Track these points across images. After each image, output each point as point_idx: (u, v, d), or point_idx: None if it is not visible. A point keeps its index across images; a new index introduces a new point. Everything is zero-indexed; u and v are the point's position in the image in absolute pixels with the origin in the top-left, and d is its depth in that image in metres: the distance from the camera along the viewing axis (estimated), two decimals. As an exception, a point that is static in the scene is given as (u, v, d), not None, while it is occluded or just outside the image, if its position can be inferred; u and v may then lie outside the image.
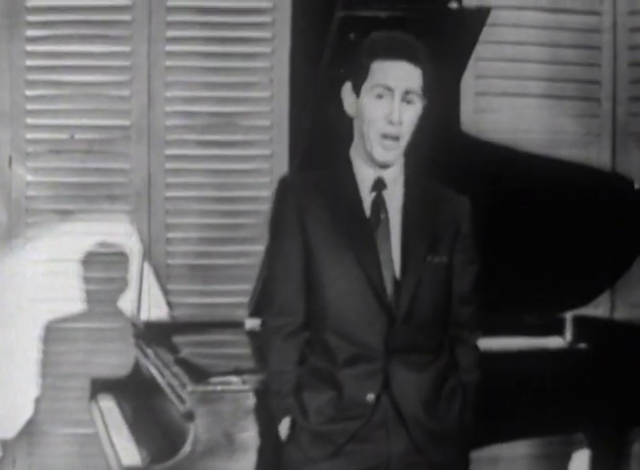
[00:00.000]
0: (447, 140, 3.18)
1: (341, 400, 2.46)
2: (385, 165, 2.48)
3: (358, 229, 2.47)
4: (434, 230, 2.51)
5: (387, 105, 2.43)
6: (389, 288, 2.46)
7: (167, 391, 2.88)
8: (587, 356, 3.53)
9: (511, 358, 3.37)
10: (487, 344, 2.97)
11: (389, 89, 2.43)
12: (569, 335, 3.76)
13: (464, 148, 3.35)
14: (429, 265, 2.48)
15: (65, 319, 4.27)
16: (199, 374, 2.84)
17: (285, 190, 2.52)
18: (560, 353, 3.61)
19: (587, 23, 4.49)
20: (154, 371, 3.12)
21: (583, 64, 4.49)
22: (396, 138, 2.43)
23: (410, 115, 2.44)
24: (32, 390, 4.26)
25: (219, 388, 2.72)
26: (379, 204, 2.49)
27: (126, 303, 4.25)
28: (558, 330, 3.76)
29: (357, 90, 2.48)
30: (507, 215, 3.34)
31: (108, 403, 3.46)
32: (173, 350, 3.28)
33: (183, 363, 3.02)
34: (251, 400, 2.71)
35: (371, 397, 2.45)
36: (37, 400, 4.28)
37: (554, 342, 3.71)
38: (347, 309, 2.46)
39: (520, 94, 4.46)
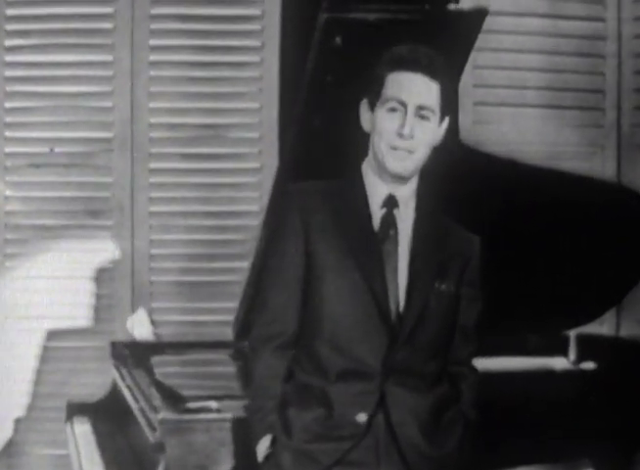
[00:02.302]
0: (444, 152, 2.96)
1: (329, 418, 2.38)
2: (397, 177, 2.43)
3: (365, 242, 2.43)
4: (443, 258, 2.48)
5: (398, 119, 2.39)
6: (393, 306, 2.41)
7: (139, 417, 2.75)
8: (592, 377, 3.51)
9: (511, 379, 3.32)
10: (486, 364, 2.93)
11: (403, 103, 2.39)
12: (572, 354, 3.69)
13: (462, 161, 3.20)
14: (436, 291, 2.45)
15: (45, 337, 4.22)
16: (174, 399, 2.71)
17: (291, 197, 2.48)
18: (563, 374, 3.55)
19: (590, 30, 4.46)
20: (127, 395, 3.01)
21: (586, 72, 4.46)
22: (408, 152, 2.39)
23: (424, 130, 2.39)
24: (12, 410, 4.23)
25: (193, 416, 2.57)
26: (389, 221, 2.45)
27: (110, 321, 4.22)
28: (561, 349, 3.69)
29: (372, 105, 2.44)
30: (507, 231, 3.24)
31: (83, 427, 3.36)
32: (151, 371, 3.19)
33: (159, 387, 2.89)
34: (227, 431, 2.58)
35: (363, 416, 2.37)
36: (17, 421, 4.24)
37: (557, 362, 3.64)
38: (346, 322, 2.40)
39: (520, 104, 4.42)
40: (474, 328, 2.56)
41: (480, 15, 2.94)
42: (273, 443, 2.40)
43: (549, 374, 3.50)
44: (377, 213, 2.46)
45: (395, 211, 2.46)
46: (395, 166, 2.42)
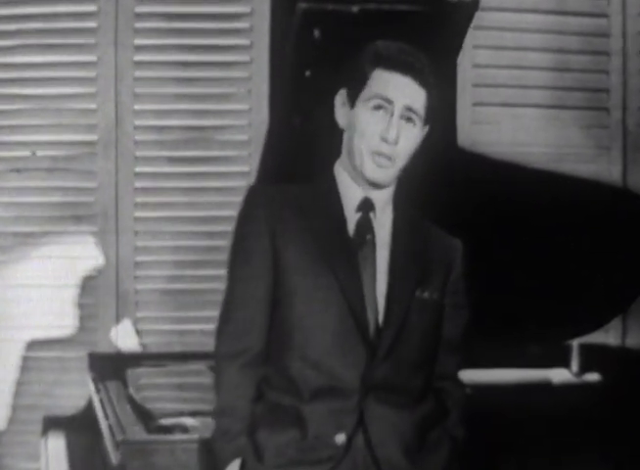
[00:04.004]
0: (441, 155, 2.99)
1: (304, 440, 2.26)
2: (375, 185, 2.33)
3: (340, 249, 2.32)
4: (425, 265, 2.39)
5: (383, 120, 2.28)
6: (372, 316, 2.30)
7: (106, 436, 2.65)
8: (596, 389, 3.50)
9: (509, 393, 3.31)
10: (483, 376, 3.09)
11: (389, 102, 2.28)
12: (575, 365, 3.65)
13: (460, 163, 3.25)
14: (418, 300, 2.35)
15: (27, 348, 4.18)
16: (144, 417, 2.61)
17: (255, 200, 2.37)
18: (565, 387, 3.53)
19: (594, 27, 4.41)
20: (99, 410, 2.93)
21: (590, 70, 4.42)
22: (390, 159, 2.29)
23: (408, 136, 2.30)
24: None
25: (157, 437, 2.47)
26: (365, 225, 2.35)
27: (93, 331, 4.17)
28: (563, 360, 3.65)
29: (352, 100, 2.32)
30: (508, 237, 3.27)
31: (57, 442, 3.30)
32: (126, 385, 3.15)
33: (131, 402, 2.80)
34: (194, 452, 2.47)
35: (341, 437, 2.25)
36: None
37: (559, 373, 3.61)
38: (320, 336, 2.29)
39: (521, 104, 4.38)
40: (460, 339, 2.47)
41: (470, 7, 2.86)
42: (242, 468, 2.28)
43: (550, 387, 3.47)
44: (352, 218, 2.35)
45: (372, 215, 2.36)
46: (374, 175, 2.31)
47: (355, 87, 2.32)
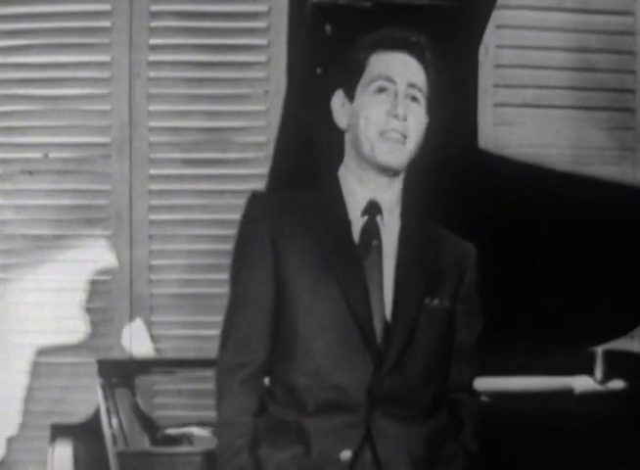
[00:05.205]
0: (462, 157, 3.00)
1: (308, 457, 2.19)
2: (388, 170, 2.24)
3: (344, 256, 2.24)
4: (435, 271, 2.31)
5: (388, 99, 2.22)
6: (378, 327, 2.22)
7: (108, 444, 2.58)
8: (621, 397, 3.47)
9: (531, 401, 3.29)
10: (503, 384, 3.05)
11: (391, 81, 2.22)
12: (599, 373, 3.60)
13: (481, 166, 3.17)
14: (427, 308, 2.27)
15: (39, 353, 4.17)
16: (148, 427, 2.54)
17: (255, 207, 2.31)
18: (589, 394, 3.49)
19: (619, 25, 4.37)
20: (103, 418, 2.88)
21: (615, 70, 4.39)
22: (402, 136, 2.21)
23: (416, 114, 2.23)
24: (5, 428, 4.18)
25: (155, 450, 2.42)
26: (371, 230, 2.27)
27: (107, 336, 4.17)
28: (586, 367, 3.61)
29: (351, 93, 2.26)
30: (531, 241, 3.20)
31: (64, 450, 3.24)
32: (134, 393, 3.11)
33: (136, 411, 2.73)
34: (196, 466, 2.40)
35: (347, 454, 2.18)
36: (10, 440, 4.18)
37: (582, 381, 3.57)
38: (325, 347, 2.21)
39: (544, 105, 4.35)
40: (474, 347, 2.39)
41: (489, 1, 2.80)
42: None
43: (573, 395, 3.44)
44: (357, 222, 2.28)
45: (378, 219, 2.28)
46: (387, 157, 2.23)
47: (353, 78, 2.26)
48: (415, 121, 2.23)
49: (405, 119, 2.21)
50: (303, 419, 2.20)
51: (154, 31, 4.20)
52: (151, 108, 4.22)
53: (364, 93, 2.24)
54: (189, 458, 2.40)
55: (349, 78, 2.26)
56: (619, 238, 3.32)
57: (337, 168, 2.34)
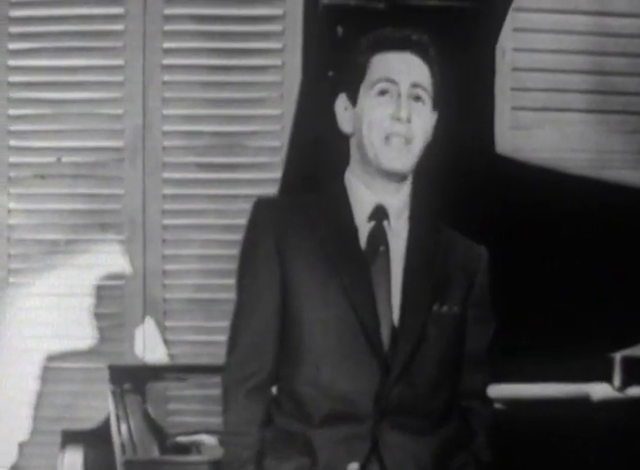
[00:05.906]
0: (479, 161, 3.02)
1: (314, 469, 2.15)
2: (394, 174, 2.20)
3: (350, 261, 2.20)
4: (444, 276, 2.26)
5: (391, 102, 2.17)
6: (386, 335, 2.18)
7: (117, 451, 2.56)
8: None
9: (547, 408, 3.29)
10: (523, 391, 3.04)
11: (393, 82, 2.17)
12: (618, 379, 3.60)
13: (498, 170, 3.17)
14: (435, 314, 2.22)
15: (50, 358, 4.18)
16: (157, 435, 2.52)
17: (261, 212, 2.27)
18: (607, 401, 3.49)
19: (636, 28, 4.35)
20: (113, 425, 2.87)
21: (634, 73, 4.36)
22: (407, 139, 2.17)
23: (420, 114, 2.18)
24: (16, 433, 4.19)
25: (162, 459, 2.41)
26: (378, 235, 2.22)
27: (120, 341, 4.17)
28: (604, 374, 3.60)
29: (354, 97, 2.21)
30: (548, 245, 3.19)
31: (74, 457, 3.26)
32: (144, 399, 3.11)
33: (146, 418, 2.71)
34: None
35: (354, 466, 2.13)
36: (21, 445, 4.18)
37: (600, 388, 3.55)
38: (331, 357, 2.18)
39: (562, 108, 4.34)
40: (485, 353, 2.34)
41: (504, 2, 2.79)
42: None
43: (590, 402, 3.43)
44: (364, 227, 2.24)
45: (385, 224, 2.24)
46: (392, 161, 2.18)
47: (355, 81, 2.22)
48: (419, 122, 2.19)
49: (409, 121, 2.17)
50: (309, 430, 2.17)
51: (168, 35, 4.21)
52: (164, 112, 4.22)
53: (366, 96, 2.20)
54: (196, 467, 2.38)
55: (351, 82, 2.23)
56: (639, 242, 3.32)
57: (343, 173, 2.29)
